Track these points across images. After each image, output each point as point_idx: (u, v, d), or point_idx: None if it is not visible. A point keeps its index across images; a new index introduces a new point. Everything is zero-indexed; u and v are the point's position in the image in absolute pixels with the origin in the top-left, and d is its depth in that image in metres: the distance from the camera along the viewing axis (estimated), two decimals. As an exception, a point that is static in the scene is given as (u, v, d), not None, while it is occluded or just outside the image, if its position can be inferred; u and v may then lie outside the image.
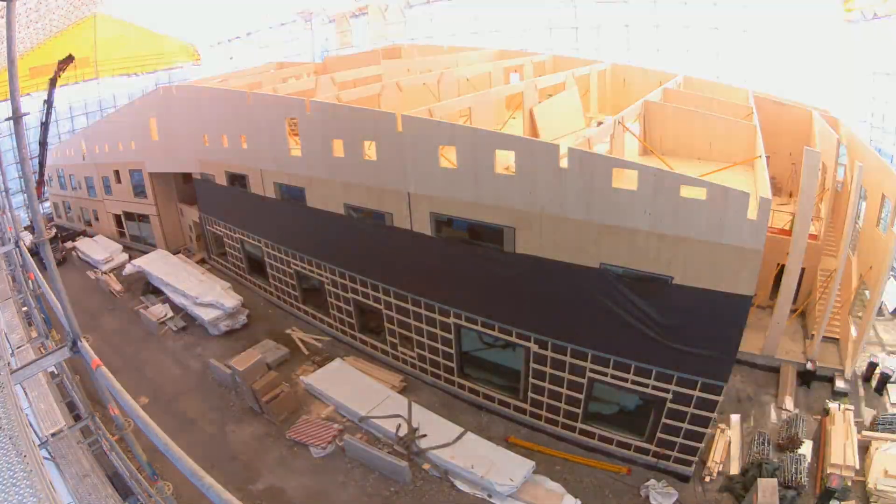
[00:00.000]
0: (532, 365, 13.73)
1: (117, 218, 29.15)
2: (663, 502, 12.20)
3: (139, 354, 19.56)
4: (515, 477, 12.68)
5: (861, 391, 15.24)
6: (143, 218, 27.46)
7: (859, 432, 13.40)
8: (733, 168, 13.53)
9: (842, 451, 12.71)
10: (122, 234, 29.36)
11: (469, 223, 13.51)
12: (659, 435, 12.61)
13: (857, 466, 12.48)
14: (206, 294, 20.63)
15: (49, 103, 29.01)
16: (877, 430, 13.53)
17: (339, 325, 18.68)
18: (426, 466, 13.51)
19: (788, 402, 14.91)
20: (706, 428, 12.10)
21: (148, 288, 23.42)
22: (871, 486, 11.96)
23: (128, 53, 41.22)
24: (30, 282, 15.37)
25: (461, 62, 24.01)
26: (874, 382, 15.11)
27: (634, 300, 11.50)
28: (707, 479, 12.81)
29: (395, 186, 14.34)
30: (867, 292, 16.05)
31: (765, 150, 13.06)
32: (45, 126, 29.35)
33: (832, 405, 14.27)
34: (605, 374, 12.65)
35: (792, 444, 13.30)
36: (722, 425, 14.06)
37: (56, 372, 13.29)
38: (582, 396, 13.31)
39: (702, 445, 12.41)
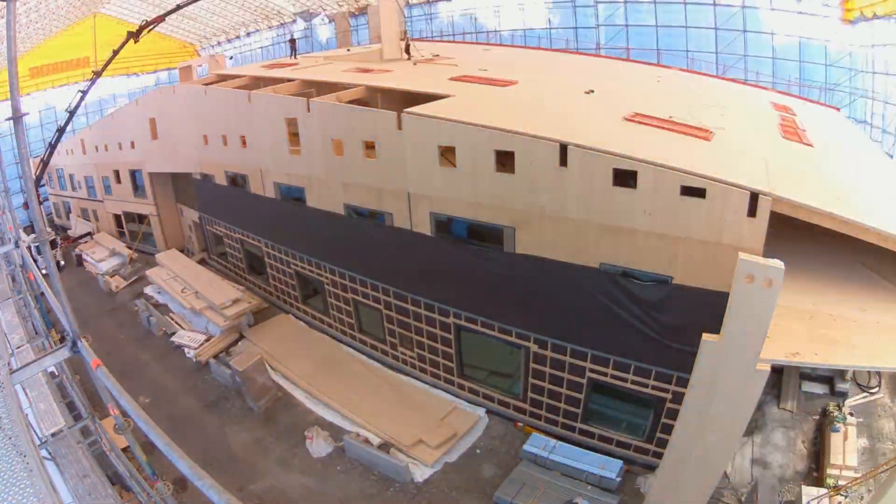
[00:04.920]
0: (532, 365, 13.73)
1: (117, 218, 29.13)
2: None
3: (139, 354, 19.56)
4: None
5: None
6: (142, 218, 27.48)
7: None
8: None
9: (841, 451, 12.70)
10: (121, 235, 29.34)
11: (469, 223, 13.51)
12: (659, 435, 12.60)
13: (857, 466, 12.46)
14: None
15: (84, 93, 27.36)
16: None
17: (339, 326, 18.67)
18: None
19: (789, 404, 14.87)
20: (706, 428, 12.07)
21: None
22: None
23: (128, 53, 41.12)
24: (30, 282, 15.36)
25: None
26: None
27: (634, 300, 11.50)
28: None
29: (395, 186, 14.34)
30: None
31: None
32: (70, 114, 27.57)
33: (832, 406, 14.24)
34: (605, 374, 12.64)
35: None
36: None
37: (56, 372, 13.27)
38: (581, 396, 13.31)
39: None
